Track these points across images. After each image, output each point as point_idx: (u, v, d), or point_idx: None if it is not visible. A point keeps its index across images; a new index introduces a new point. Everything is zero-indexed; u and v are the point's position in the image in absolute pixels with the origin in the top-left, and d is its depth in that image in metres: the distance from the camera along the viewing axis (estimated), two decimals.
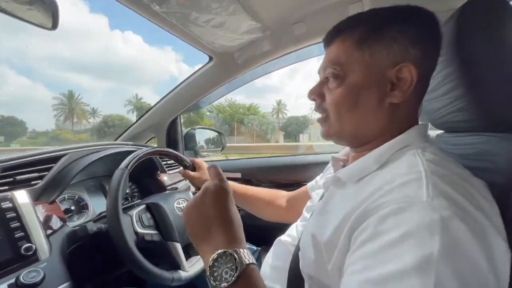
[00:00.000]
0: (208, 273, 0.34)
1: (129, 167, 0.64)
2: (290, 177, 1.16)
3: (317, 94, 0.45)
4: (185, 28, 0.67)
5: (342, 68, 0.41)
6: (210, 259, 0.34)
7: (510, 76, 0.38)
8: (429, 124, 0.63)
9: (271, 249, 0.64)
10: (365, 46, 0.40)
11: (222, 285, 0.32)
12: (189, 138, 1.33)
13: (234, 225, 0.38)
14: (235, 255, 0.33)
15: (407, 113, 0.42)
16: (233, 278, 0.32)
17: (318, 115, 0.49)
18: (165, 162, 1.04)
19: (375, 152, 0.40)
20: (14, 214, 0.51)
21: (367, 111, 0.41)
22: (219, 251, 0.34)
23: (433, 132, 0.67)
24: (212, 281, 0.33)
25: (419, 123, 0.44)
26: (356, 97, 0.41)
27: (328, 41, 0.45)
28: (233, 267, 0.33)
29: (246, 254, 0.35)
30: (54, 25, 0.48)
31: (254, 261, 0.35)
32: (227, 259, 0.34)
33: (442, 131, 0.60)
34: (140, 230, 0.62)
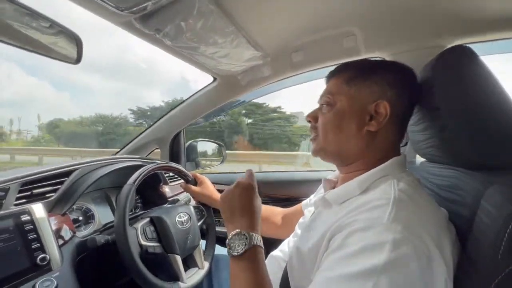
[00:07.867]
0: (227, 243, 0.48)
1: (136, 183, 0.69)
2: (288, 192, 1.21)
3: (312, 116, 0.55)
4: (192, 58, 0.73)
5: (334, 97, 0.51)
6: (230, 235, 0.48)
7: (471, 123, 0.43)
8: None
9: None
10: (352, 84, 0.50)
11: (233, 253, 0.46)
12: (191, 150, 1.39)
13: (253, 215, 0.51)
14: (247, 236, 0.47)
15: (385, 143, 0.49)
16: (241, 250, 0.45)
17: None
18: (167, 174, 1.09)
19: (359, 179, 0.47)
20: (31, 226, 0.56)
21: (348, 134, 0.50)
22: (237, 230, 0.48)
23: (420, 159, 0.72)
24: (228, 249, 0.47)
25: (401, 153, 0.51)
26: (340, 121, 0.50)
27: (328, 78, 0.56)
28: (244, 243, 0.46)
29: (257, 237, 0.48)
30: (78, 59, 0.54)
31: (262, 245, 0.48)
32: (241, 237, 0.47)
33: (425, 160, 0.65)
34: (144, 242, 0.67)
